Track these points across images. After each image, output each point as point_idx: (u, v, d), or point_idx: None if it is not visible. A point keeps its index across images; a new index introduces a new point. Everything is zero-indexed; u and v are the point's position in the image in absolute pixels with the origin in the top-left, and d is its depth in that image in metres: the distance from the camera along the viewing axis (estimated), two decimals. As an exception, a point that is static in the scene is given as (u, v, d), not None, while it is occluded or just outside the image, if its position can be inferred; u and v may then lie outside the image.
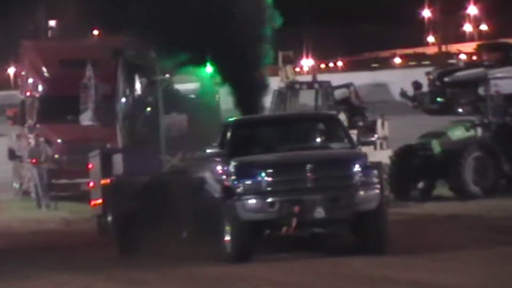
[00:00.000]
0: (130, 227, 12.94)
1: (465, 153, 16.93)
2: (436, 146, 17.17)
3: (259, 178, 10.72)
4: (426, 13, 68.18)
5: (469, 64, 38.29)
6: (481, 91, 19.76)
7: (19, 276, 11.05)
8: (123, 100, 15.62)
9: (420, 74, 37.63)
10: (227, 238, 10.85)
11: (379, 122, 19.67)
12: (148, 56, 14.41)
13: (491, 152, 17.25)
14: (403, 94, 34.97)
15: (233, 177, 10.95)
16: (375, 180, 10.89)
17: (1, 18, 39.93)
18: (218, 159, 11.67)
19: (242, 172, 10.91)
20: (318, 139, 12.06)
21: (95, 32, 21.98)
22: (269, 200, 10.59)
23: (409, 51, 73.09)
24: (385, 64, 67.41)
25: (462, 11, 69.36)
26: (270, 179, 10.70)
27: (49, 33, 27.42)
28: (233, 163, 11.08)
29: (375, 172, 11.04)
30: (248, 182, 10.74)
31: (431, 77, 35.97)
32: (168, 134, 14.18)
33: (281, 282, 9.50)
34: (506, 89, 19.01)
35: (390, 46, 74.66)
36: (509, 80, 19.83)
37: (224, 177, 11.29)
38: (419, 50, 72.73)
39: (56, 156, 21.29)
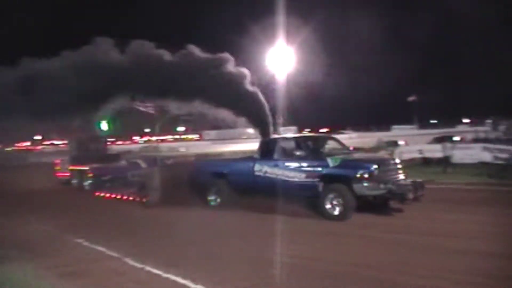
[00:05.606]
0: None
1: None
2: None
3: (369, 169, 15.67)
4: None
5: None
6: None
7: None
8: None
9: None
10: (329, 205, 15.73)
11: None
12: None
13: None
14: None
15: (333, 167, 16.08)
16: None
17: None
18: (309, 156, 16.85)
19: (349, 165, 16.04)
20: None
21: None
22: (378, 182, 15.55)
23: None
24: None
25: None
26: (374, 169, 15.68)
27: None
28: (333, 159, 16.32)
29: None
30: (362, 171, 15.62)
31: None
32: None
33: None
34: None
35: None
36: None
37: (319, 167, 16.33)
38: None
39: None
